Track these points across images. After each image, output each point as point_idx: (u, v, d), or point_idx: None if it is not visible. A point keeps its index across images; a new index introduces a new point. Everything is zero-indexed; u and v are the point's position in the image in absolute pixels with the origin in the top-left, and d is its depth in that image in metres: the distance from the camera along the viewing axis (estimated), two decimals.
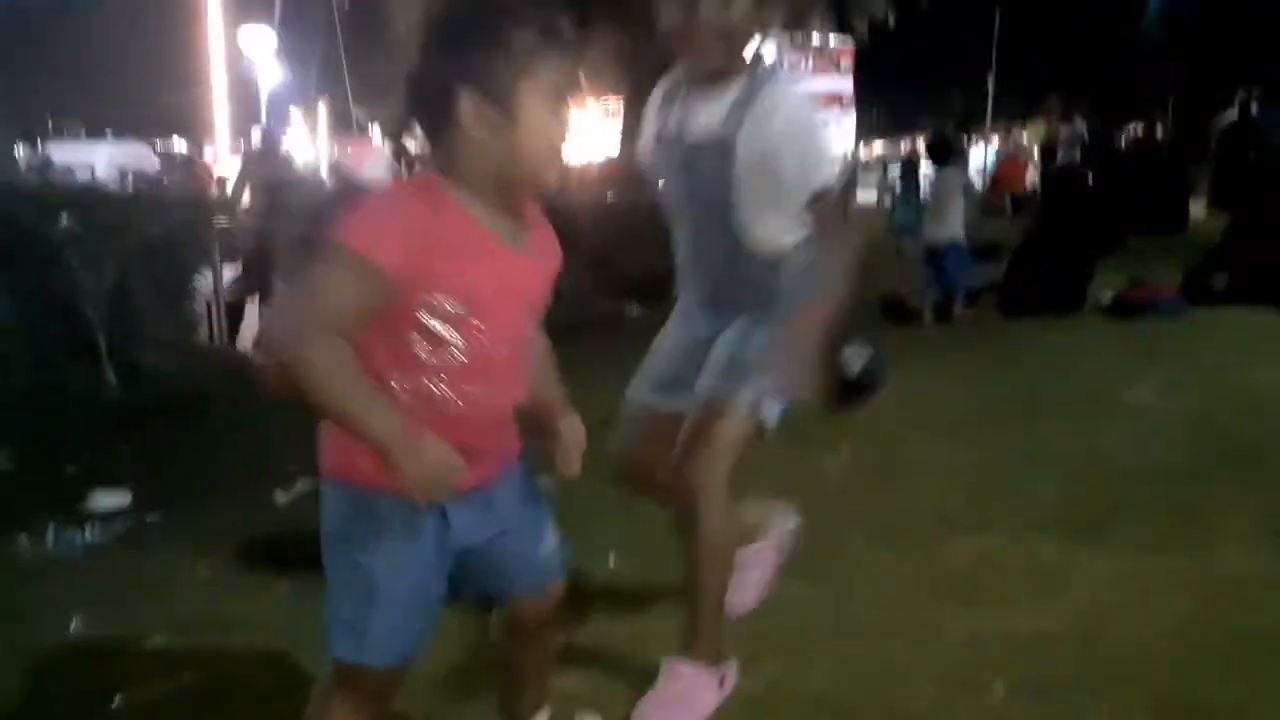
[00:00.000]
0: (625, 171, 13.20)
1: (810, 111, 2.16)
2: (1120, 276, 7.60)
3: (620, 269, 8.07)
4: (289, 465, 4.13)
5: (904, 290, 8.00)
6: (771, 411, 2.16)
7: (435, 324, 1.43)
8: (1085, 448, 4.08)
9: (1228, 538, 3.02)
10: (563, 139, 1.47)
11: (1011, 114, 27.52)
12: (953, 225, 7.63)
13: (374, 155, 16.39)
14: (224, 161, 16.54)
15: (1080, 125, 17.37)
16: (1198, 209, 13.39)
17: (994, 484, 3.64)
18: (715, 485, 2.07)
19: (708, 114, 2.08)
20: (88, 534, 3.61)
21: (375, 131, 26.22)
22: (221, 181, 13.83)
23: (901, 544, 3.10)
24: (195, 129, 17.81)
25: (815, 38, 17.91)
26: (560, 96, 1.45)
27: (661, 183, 2.21)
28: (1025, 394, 5.01)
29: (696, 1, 1.96)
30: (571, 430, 1.65)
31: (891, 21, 16.94)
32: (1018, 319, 7.31)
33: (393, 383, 1.45)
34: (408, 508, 1.42)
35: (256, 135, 19.86)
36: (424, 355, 1.45)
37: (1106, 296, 7.33)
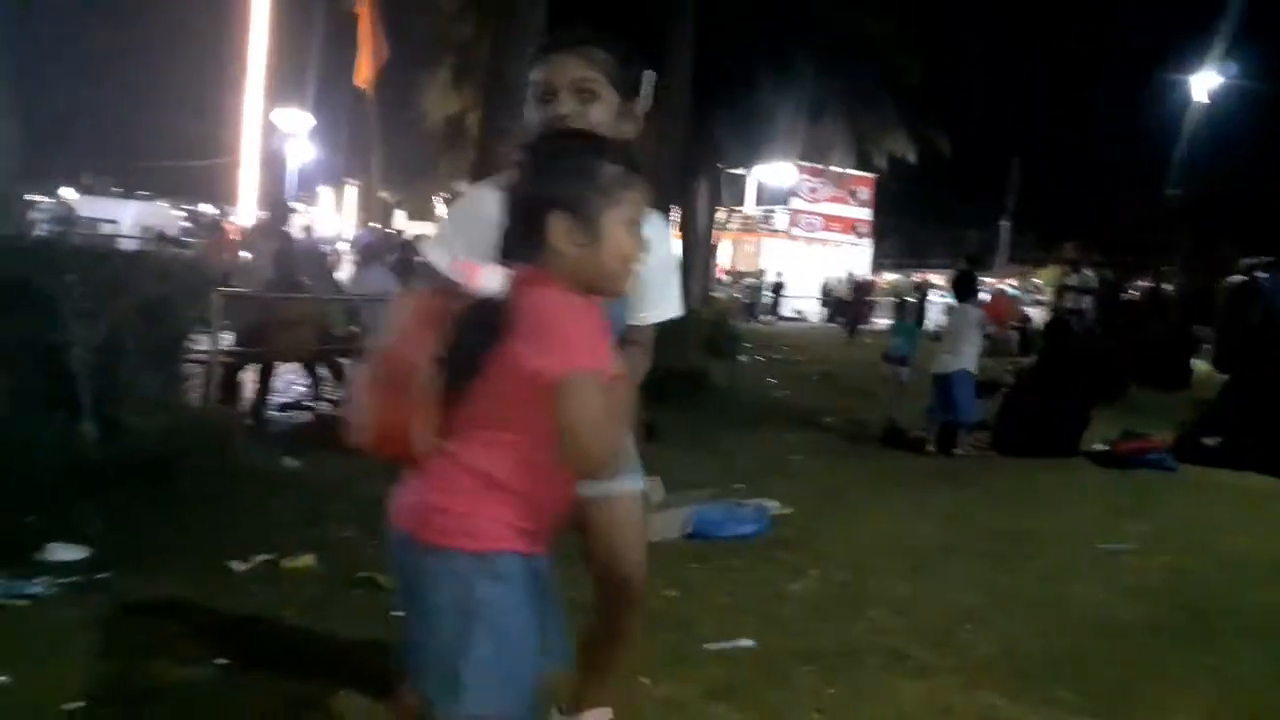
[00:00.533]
0: None
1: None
2: (1115, 427, 7.61)
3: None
4: (252, 537, 4.13)
5: (903, 419, 8.02)
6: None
7: None
8: (1053, 594, 4.03)
9: (1177, 710, 2.96)
10: (638, 257, 1.68)
11: (1026, 257, 27.91)
12: (967, 357, 7.70)
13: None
14: (268, 230, 16.88)
15: (1092, 274, 17.58)
16: (1201, 367, 13.45)
17: (953, 624, 3.58)
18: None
19: None
20: (36, 585, 3.56)
21: (400, 214, 26.93)
22: (234, 249, 14.10)
23: (849, 680, 3.03)
24: (225, 197, 18.26)
25: (835, 167, 18.35)
26: (635, 222, 1.66)
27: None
28: (1004, 534, 4.98)
29: (556, 101, 1.97)
30: None
31: (912, 158, 17.36)
32: (1011, 458, 7.31)
33: (513, 478, 1.63)
34: (530, 567, 1.64)
35: (286, 207, 20.43)
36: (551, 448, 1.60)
37: (1098, 445, 7.32)
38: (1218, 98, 25.33)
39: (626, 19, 14.48)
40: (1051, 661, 3.28)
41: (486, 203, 1.92)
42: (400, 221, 25.03)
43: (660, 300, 2.12)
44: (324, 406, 7.92)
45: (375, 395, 1.64)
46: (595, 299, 1.65)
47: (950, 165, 17.83)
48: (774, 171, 27.21)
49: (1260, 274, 14.21)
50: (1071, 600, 3.97)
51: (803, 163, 18.36)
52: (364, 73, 17.37)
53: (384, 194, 22.70)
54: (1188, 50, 24.89)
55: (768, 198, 32.17)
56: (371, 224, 21.26)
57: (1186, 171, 27.22)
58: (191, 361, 6.22)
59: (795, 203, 31.29)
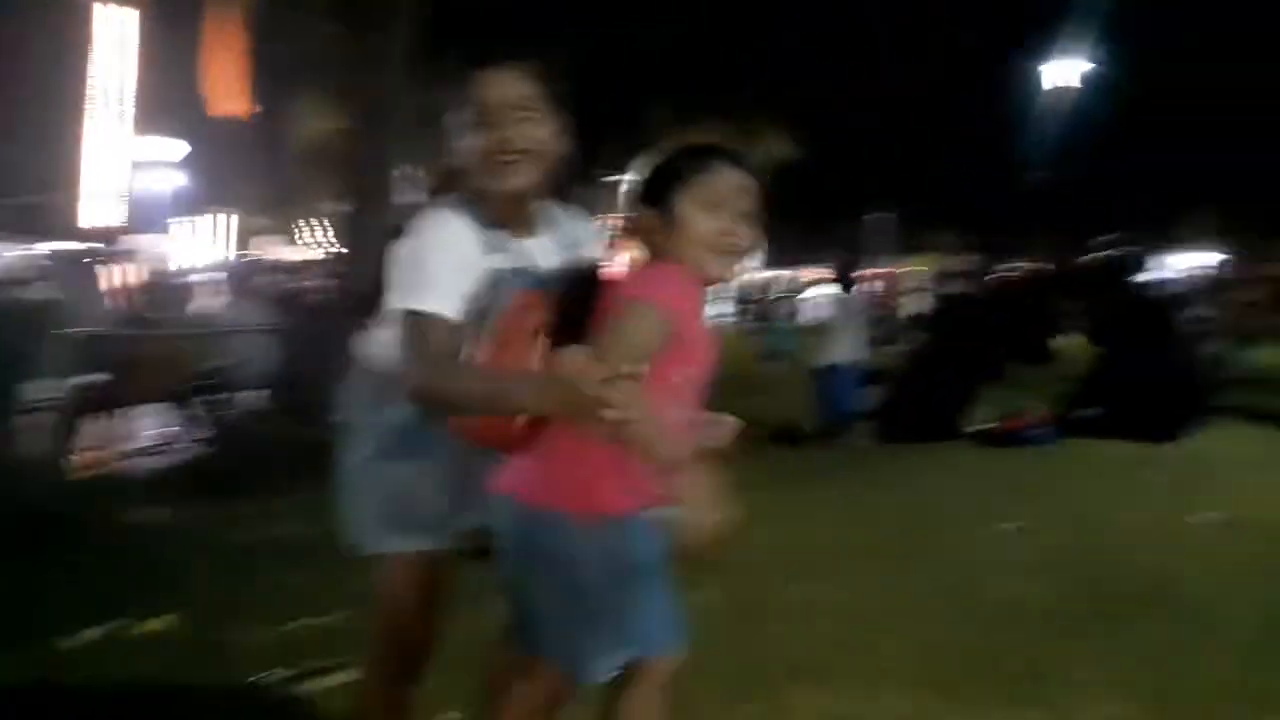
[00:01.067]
0: None
1: None
2: (996, 406, 7.73)
3: None
4: (104, 600, 3.78)
5: (792, 414, 7.99)
6: None
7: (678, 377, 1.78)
8: (949, 586, 3.97)
9: (1084, 693, 2.91)
10: (723, 242, 1.78)
11: (905, 246, 28.66)
12: (849, 348, 7.71)
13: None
14: (120, 265, 15.97)
15: (964, 260, 18.11)
16: (1070, 342, 13.94)
17: (852, 629, 3.48)
18: None
19: (541, 247, 2.03)
20: None
21: (271, 240, 25.94)
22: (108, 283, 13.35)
23: (747, 695, 2.89)
24: (80, 233, 17.22)
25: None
26: (717, 205, 1.77)
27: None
28: (899, 526, 4.95)
29: (500, 123, 1.90)
30: None
31: (789, 157, 17.62)
32: (897, 444, 7.34)
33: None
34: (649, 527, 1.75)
35: (142, 242, 19.45)
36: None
37: (981, 425, 7.42)
38: (1072, 88, 26.45)
39: (507, 32, 14.36)
40: (958, 655, 3.21)
41: (459, 231, 1.92)
42: (272, 248, 24.15)
43: None
44: (190, 449, 7.46)
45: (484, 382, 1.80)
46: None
47: (826, 161, 18.15)
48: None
49: (1115, 252, 14.87)
50: (971, 588, 3.93)
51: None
52: (230, 101, 16.71)
53: (256, 220, 21.89)
54: (1044, 44, 25.87)
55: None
56: (242, 252, 20.48)
57: (1046, 156, 28.37)
58: (34, 410, 5.76)
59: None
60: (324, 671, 3.10)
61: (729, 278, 1.82)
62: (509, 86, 1.91)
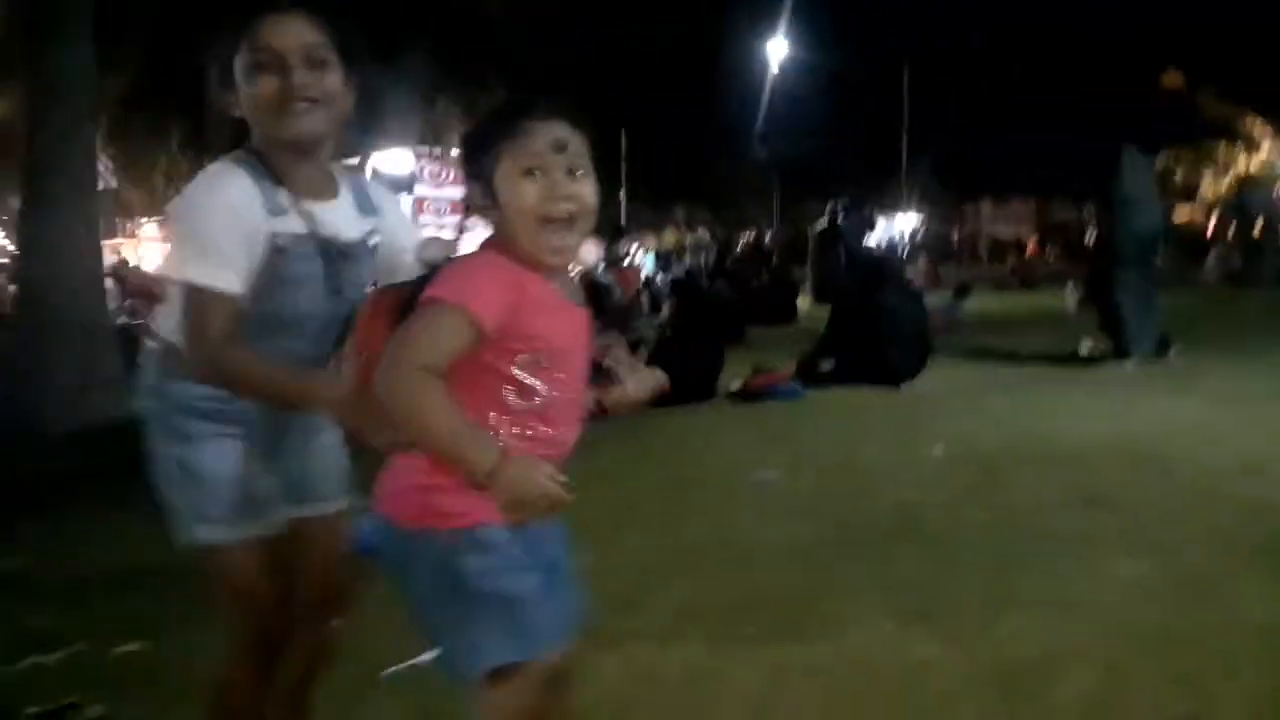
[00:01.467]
0: None
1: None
2: (745, 366, 8.06)
3: None
4: None
5: None
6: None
7: (525, 375, 1.58)
8: (721, 536, 4.09)
9: (856, 621, 3.06)
10: (546, 211, 1.55)
11: (643, 224, 29.40)
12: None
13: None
14: None
15: (703, 233, 18.79)
16: (804, 303, 14.83)
17: (637, 586, 3.49)
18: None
19: (335, 213, 1.90)
20: None
21: None
22: None
23: None
24: None
25: (455, 151, 18.10)
26: (531, 173, 1.54)
27: (270, 293, 1.86)
28: (665, 485, 5.04)
29: (289, 68, 1.76)
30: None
31: None
32: (660, 409, 7.47)
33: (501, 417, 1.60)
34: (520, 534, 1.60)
35: None
36: (512, 401, 1.59)
37: (733, 385, 7.71)
38: (788, 68, 28.05)
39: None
40: (734, 601, 3.29)
41: (239, 191, 1.77)
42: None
43: (406, 233, 2.10)
44: None
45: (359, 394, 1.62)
46: (539, 272, 1.59)
47: None
48: (390, 159, 26.37)
49: (840, 215, 15.98)
50: (738, 537, 4.05)
51: (421, 147, 17.92)
52: None
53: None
54: (763, 26, 27.19)
55: (387, 186, 31.14)
56: None
57: (768, 134, 30.00)
58: None
59: (419, 189, 30.56)
60: (74, 708, 2.77)
61: (567, 255, 1.61)
62: (298, 31, 1.77)
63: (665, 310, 10.09)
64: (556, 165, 1.54)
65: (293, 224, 1.83)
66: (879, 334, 7.86)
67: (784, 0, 25.74)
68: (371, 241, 1.94)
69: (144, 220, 29.91)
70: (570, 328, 1.64)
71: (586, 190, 1.58)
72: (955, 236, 37.85)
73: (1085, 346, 8.70)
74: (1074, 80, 26.67)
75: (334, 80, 1.82)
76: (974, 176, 34.09)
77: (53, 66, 7.37)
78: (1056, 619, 2.99)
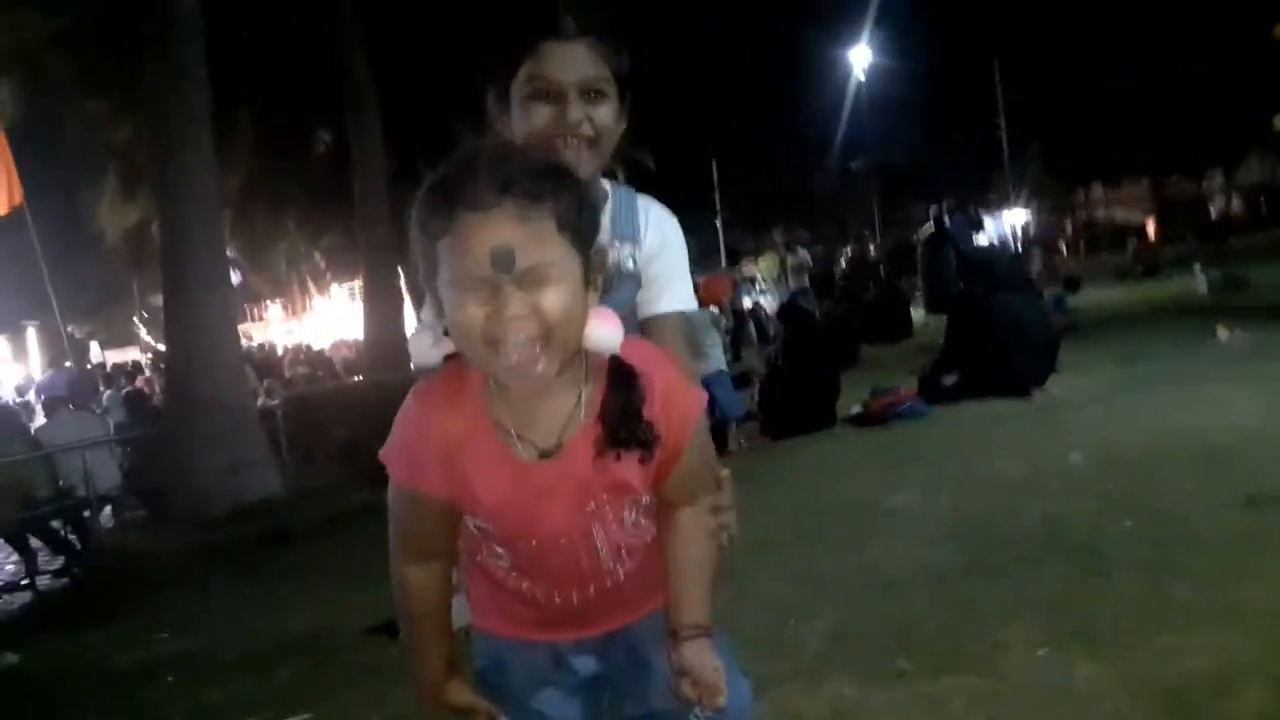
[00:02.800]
0: (374, 353, 12.85)
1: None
2: (863, 389, 7.96)
3: (373, 453, 7.57)
4: None
5: None
6: None
7: (484, 538, 1.39)
8: (859, 564, 4.04)
9: (1009, 650, 2.97)
10: (490, 331, 1.16)
11: (740, 250, 29.35)
12: (714, 359, 7.81)
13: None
14: None
15: (803, 254, 18.63)
16: (918, 315, 14.53)
17: (778, 621, 3.48)
18: None
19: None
20: None
21: (94, 347, 24.51)
22: None
23: None
24: None
25: None
26: (464, 280, 1.16)
27: None
28: (798, 516, 5.00)
29: (565, 103, 1.65)
30: (687, 660, 1.38)
31: (621, 177, 17.73)
32: (781, 441, 7.45)
33: (478, 557, 1.44)
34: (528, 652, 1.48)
35: None
36: (487, 558, 1.42)
37: (853, 409, 7.62)
38: (873, 73, 27.74)
39: (295, 86, 14.02)
40: (880, 634, 3.24)
41: None
42: (96, 354, 22.78)
43: (665, 291, 1.77)
44: (43, 581, 6.91)
45: None
46: (519, 389, 1.25)
47: (656, 178, 18.36)
48: None
49: (945, 218, 15.62)
50: (879, 565, 3.99)
51: None
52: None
53: (71, 329, 20.60)
54: (844, 33, 26.99)
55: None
56: (53, 366, 19.26)
57: (862, 143, 29.60)
58: None
59: None
60: None
61: (532, 376, 1.19)
62: (578, 62, 1.67)
63: (774, 339, 10.01)
64: (504, 280, 1.15)
65: None
66: (1001, 340, 7.65)
67: (862, 7, 25.53)
68: (628, 268, 1.76)
69: (268, 303, 31.50)
70: (510, 490, 1.30)
71: (549, 303, 1.16)
72: (1069, 226, 36.55)
73: (1223, 333, 8.29)
74: (1176, 50, 25.53)
75: (607, 113, 1.71)
76: (1081, 161, 32.88)
77: (177, 172, 7.87)
78: (1223, 632, 2.85)
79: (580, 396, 1.29)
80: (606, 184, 1.81)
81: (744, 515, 4.86)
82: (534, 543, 1.35)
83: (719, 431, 7.62)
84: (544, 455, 1.29)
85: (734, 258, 17.49)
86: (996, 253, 14.88)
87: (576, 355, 1.27)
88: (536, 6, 1.72)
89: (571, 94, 1.65)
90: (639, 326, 1.75)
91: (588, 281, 1.24)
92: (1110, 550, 3.69)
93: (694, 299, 1.86)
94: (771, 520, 5.04)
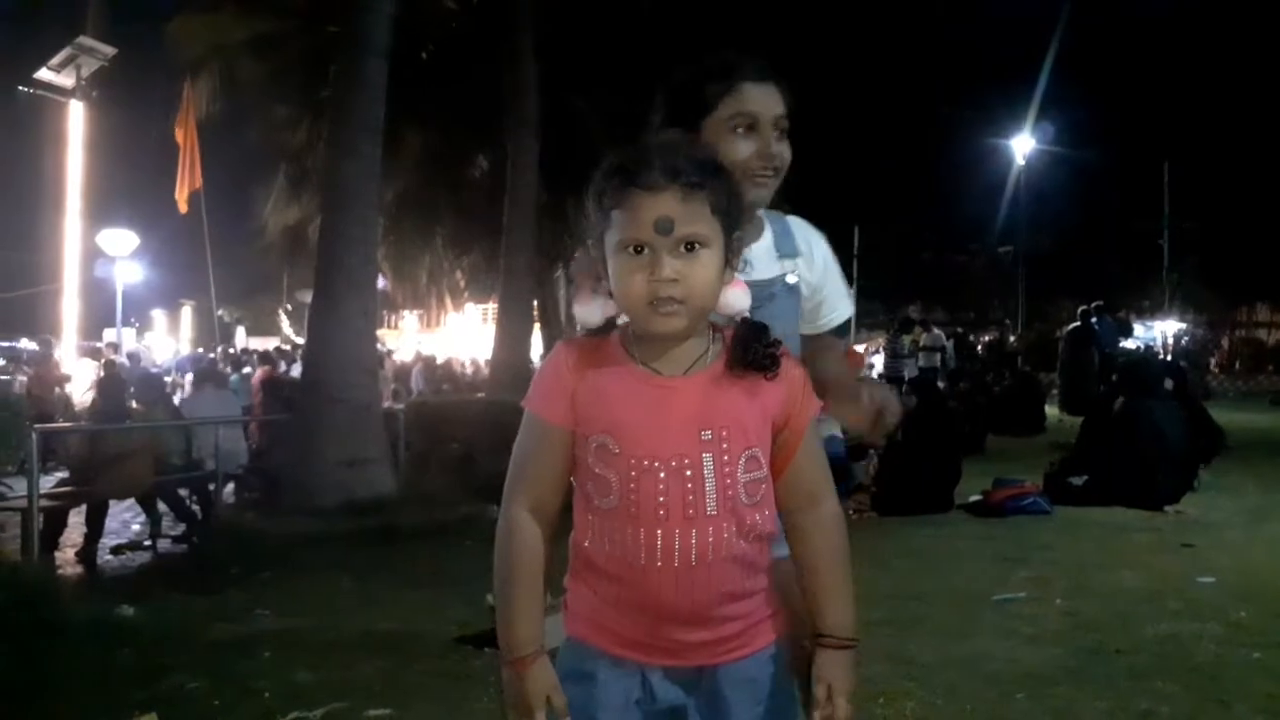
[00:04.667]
0: (499, 374, 13.15)
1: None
2: (985, 478, 7.69)
3: (486, 469, 7.75)
4: (86, 700, 3.65)
5: None
6: None
7: (599, 467, 1.44)
8: (958, 654, 3.89)
9: None
10: (645, 289, 1.38)
11: (874, 322, 28.92)
12: (827, 424, 7.67)
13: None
14: (71, 362, 15.78)
15: (937, 333, 18.22)
16: (1052, 411, 14.00)
17: (867, 700, 3.37)
18: None
19: (753, 254, 1.84)
20: None
21: (240, 332, 25.86)
22: (65, 380, 13.14)
23: None
24: (47, 328, 17.05)
25: None
26: (629, 242, 1.38)
27: None
28: (898, 597, 4.85)
29: (766, 136, 1.84)
30: (828, 672, 1.51)
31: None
32: (892, 517, 7.26)
33: (586, 542, 1.48)
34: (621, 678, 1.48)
35: (109, 336, 19.27)
36: (595, 500, 1.45)
37: (972, 497, 7.37)
38: (1034, 160, 27.14)
39: (465, 110, 14.60)
40: None
41: None
42: (241, 339, 24.04)
43: (829, 305, 1.97)
44: (164, 545, 7.28)
45: None
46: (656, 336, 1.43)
47: None
48: None
49: (1093, 319, 15.09)
50: (978, 658, 3.84)
51: None
52: (182, 197, 16.81)
53: (222, 312, 21.84)
54: (1006, 116, 26.56)
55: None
56: (199, 347, 20.39)
57: (1012, 229, 28.92)
58: (7, 509, 5.60)
59: None
60: None
61: (661, 328, 1.40)
62: (773, 102, 1.85)
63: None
64: (662, 246, 1.36)
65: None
66: (1140, 449, 7.29)
67: (1029, 90, 25.05)
68: (790, 281, 1.92)
69: (405, 313, 32.68)
70: (643, 402, 1.43)
71: (696, 269, 1.38)
72: (1226, 343, 34.68)
73: None
74: None
75: (788, 150, 1.89)
76: (1247, 278, 31.24)
77: (343, 178, 8.27)
78: None
79: (709, 349, 1.46)
80: (761, 210, 1.93)
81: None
82: (648, 462, 1.41)
83: None
84: (668, 376, 1.45)
85: (908, 324, 17.30)
86: (1147, 359, 14.27)
87: (706, 320, 1.45)
88: (735, 51, 1.90)
89: (768, 129, 1.83)
90: (799, 343, 1.86)
91: (728, 260, 1.43)
92: (1232, 680, 3.46)
93: (849, 302, 2.02)
94: (871, 597, 4.90)
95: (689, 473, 1.41)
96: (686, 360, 1.44)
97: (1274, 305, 35.65)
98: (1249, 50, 24.65)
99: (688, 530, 1.40)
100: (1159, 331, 28.24)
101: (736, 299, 1.46)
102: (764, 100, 1.82)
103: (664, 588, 1.41)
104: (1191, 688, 3.39)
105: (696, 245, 1.37)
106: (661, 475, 1.40)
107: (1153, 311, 29.94)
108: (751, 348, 1.44)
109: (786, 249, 1.93)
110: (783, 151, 1.85)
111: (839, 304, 1.99)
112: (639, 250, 1.36)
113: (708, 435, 1.41)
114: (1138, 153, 26.24)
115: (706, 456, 1.41)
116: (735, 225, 1.44)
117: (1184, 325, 30.85)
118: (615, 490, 1.42)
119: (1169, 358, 22.80)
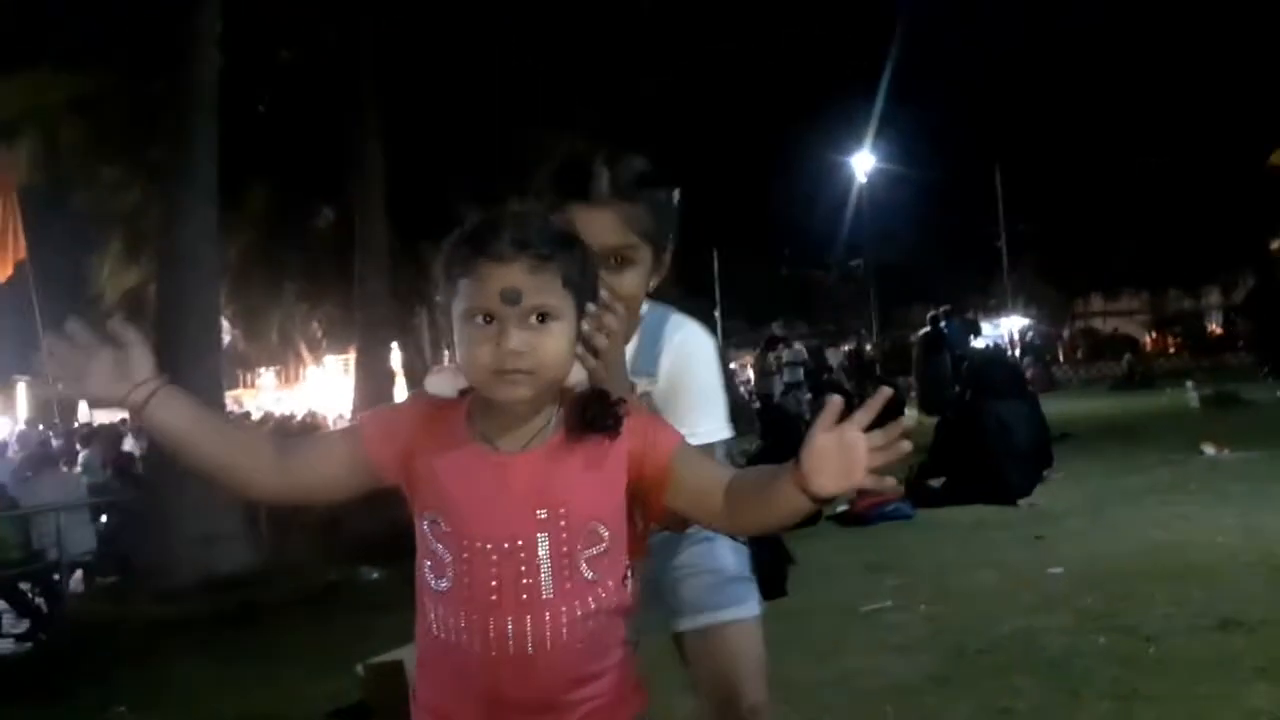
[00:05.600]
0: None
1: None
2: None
3: (355, 529, 7.52)
4: None
5: None
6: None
7: (433, 543, 1.39)
8: (831, 671, 3.96)
9: None
10: (491, 359, 1.33)
11: (739, 343, 29.55)
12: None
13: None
14: None
15: (799, 348, 18.70)
16: (910, 415, 14.52)
17: None
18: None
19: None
20: None
21: (83, 406, 24.48)
22: None
23: None
24: None
25: None
26: (475, 312, 1.34)
27: None
28: (773, 614, 4.87)
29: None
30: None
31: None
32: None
33: (428, 629, 1.42)
34: None
35: None
36: (433, 582, 1.40)
37: (839, 507, 7.54)
38: (876, 175, 28.29)
39: (305, 161, 14.26)
40: None
41: None
42: (85, 413, 22.74)
43: (681, 422, 1.62)
44: (6, 645, 6.79)
45: None
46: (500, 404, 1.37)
47: None
48: None
49: (942, 323, 15.76)
50: (849, 674, 3.92)
51: None
52: (4, 269, 15.88)
53: (61, 386, 20.56)
54: (847, 134, 27.55)
55: None
56: (40, 424, 19.23)
57: (861, 243, 30.04)
58: None
59: None
60: None
61: (507, 398, 1.36)
62: (599, 230, 1.67)
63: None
64: (510, 316, 1.32)
65: None
66: (990, 447, 7.62)
67: (867, 110, 26.11)
68: (642, 389, 1.79)
69: (261, 370, 31.57)
70: (475, 476, 1.37)
71: (545, 341, 1.34)
72: (1066, 335, 36.84)
73: (1209, 450, 8.28)
74: (1179, 164, 26.04)
75: (633, 280, 1.74)
76: (1081, 272, 33.33)
77: (179, 243, 7.96)
78: None
79: (551, 419, 1.41)
80: (645, 307, 1.80)
81: None
82: (480, 544, 1.35)
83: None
84: (508, 454, 1.40)
85: (773, 342, 17.68)
86: (992, 357, 14.97)
87: (554, 392, 1.41)
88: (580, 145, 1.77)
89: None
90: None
91: (579, 332, 1.41)
92: (1081, 668, 3.63)
93: (726, 426, 1.81)
94: None
95: (523, 554, 1.34)
96: (527, 434, 1.39)
97: (1107, 295, 38.13)
98: (1073, 52, 26.33)
99: (522, 616, 1.34)
100: (1005, 329, 29.78)
101: (579, 370, 1.44)
102: (589, 233, 1.56)
103: (503, 678, 1.35)
104: (1045, 679, 3.55)
105: (546, 317, 1.33)
106: (494, 558, 1.34)
107: (998, 309, 31.58)
108: (590, 408, 1.39)
109: (646, 364, 1.78)
110: (618, 283, 1.66)
111: (695, 421, 1.72)
112: (488, 320, 1.33)
113: (543, 514, 1.35)
114: (971, 160, 27.69)
115: (542, 537, 1.35)
116: (588, 297, 1.42)
117: (1028, 320, 32.63)
118: (449, 571, 1.37)
119: (1018, 353, 24.05)
